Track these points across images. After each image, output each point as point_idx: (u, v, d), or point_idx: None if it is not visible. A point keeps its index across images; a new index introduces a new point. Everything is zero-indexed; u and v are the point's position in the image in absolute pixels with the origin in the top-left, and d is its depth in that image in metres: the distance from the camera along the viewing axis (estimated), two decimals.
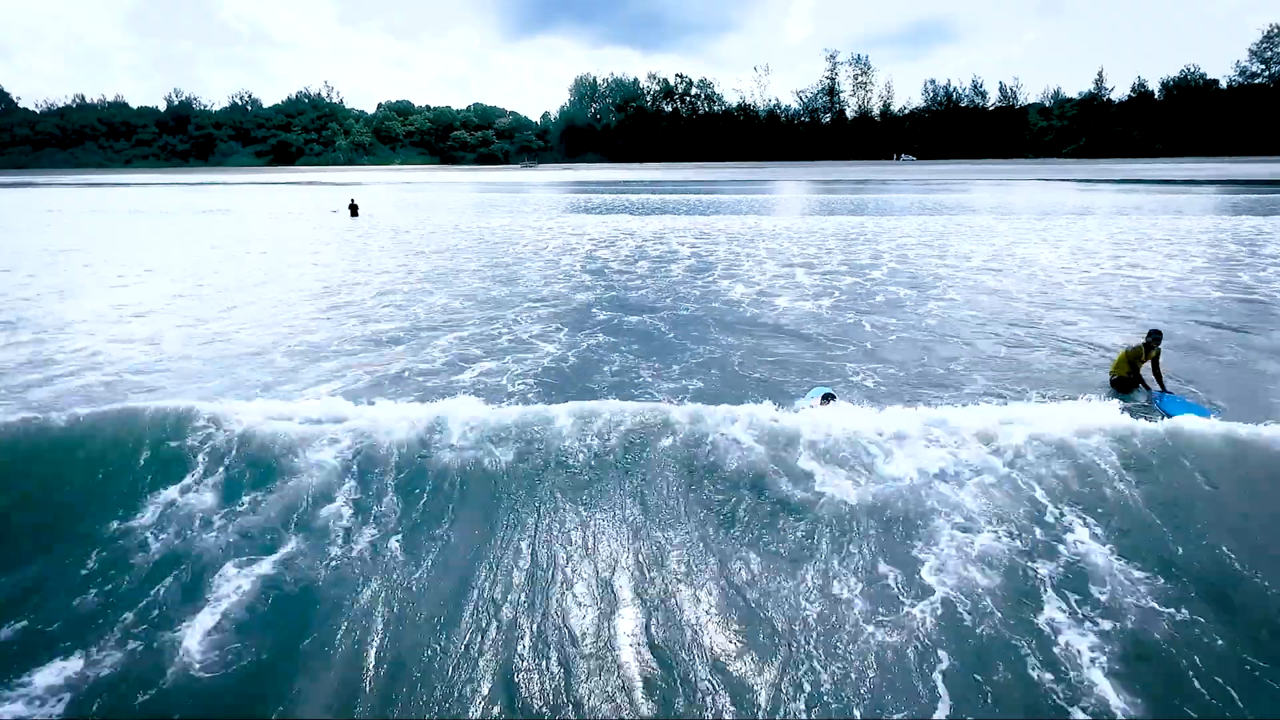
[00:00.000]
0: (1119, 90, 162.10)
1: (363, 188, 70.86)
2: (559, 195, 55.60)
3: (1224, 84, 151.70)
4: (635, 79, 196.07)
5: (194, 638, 4.11)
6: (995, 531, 4.76)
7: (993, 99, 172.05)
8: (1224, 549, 4.56)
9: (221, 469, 5.47)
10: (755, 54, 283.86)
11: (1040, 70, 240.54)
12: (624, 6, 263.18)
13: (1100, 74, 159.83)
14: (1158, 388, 8.45)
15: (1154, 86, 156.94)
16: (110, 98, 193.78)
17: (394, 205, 43.32)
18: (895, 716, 3.66)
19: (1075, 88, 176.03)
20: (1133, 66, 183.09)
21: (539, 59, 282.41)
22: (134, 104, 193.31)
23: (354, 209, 34.86)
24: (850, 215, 32.95)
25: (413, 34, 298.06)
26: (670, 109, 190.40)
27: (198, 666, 3.94)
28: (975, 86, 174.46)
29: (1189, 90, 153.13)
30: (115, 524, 5.00)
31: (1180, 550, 4.60)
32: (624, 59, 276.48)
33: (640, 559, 4.65)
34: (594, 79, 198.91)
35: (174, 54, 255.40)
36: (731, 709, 3.71)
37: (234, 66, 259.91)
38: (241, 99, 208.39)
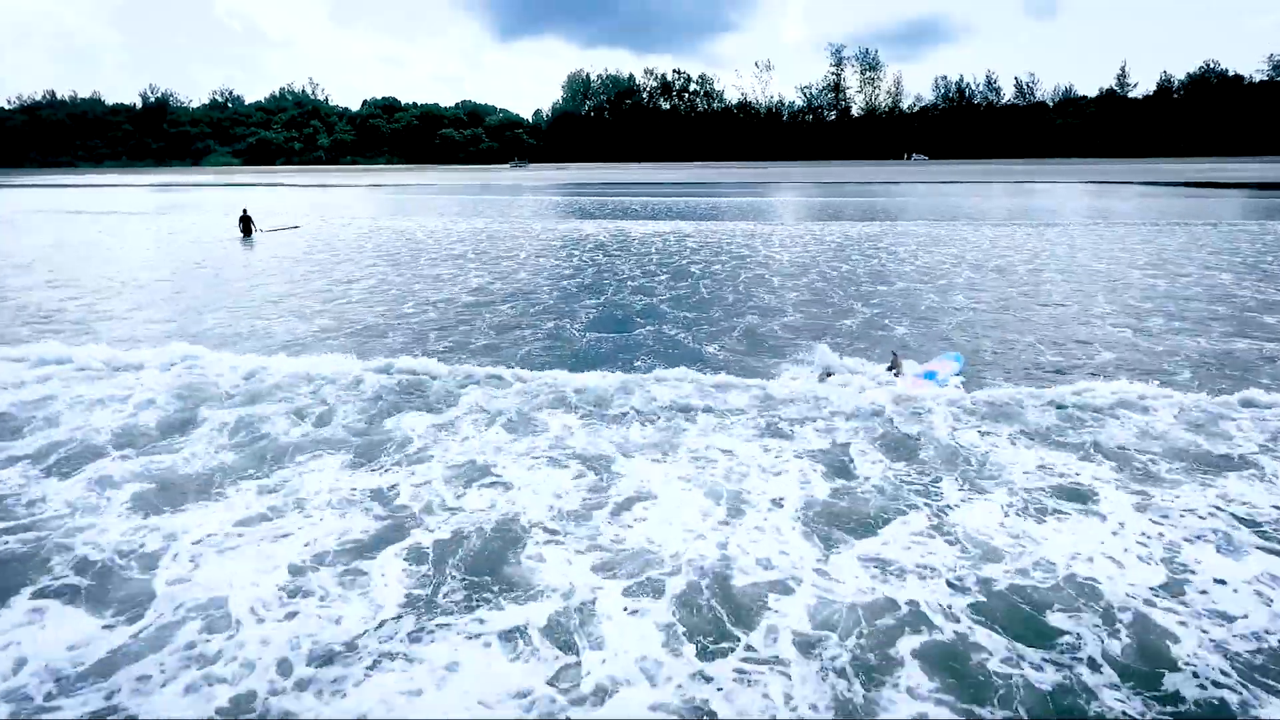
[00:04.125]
0: (1141, 86, 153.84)
1: (333, 190, 62.52)
2: (540, 198, 47.07)
3: (1249, 79, 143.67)
4: (630, 74, 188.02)
5: None
6: None
7: (1007, 95, 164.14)
8: None
9: None
10: (752, 55, 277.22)
11: (1039, 69, 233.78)
12: (619, 7, 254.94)
13: (1123, 69, 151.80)
14: None
15: (1177, 83, 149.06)
16: (110, 99, 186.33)
17: (340, 214, 34.92)
18: None
19: (1079, 87, 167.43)
20: (1129, 65, 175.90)
21: (534, 59, 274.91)
22: (125, 101, 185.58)
23: (246, 225, 26.13)
24: (879, 227, 24.51)
25: (409, 34, 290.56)
26: (668, 106, 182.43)
27: None
28: (989, 82, 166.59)
29: (1214, 85, 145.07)
30: None
31: None
32: (619, 59, 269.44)
33: None
34: (587, 75, 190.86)
35: (167, 53, 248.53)
36: None
37: (229, 65, 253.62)
38: (223, 95, 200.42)
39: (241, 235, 25.64)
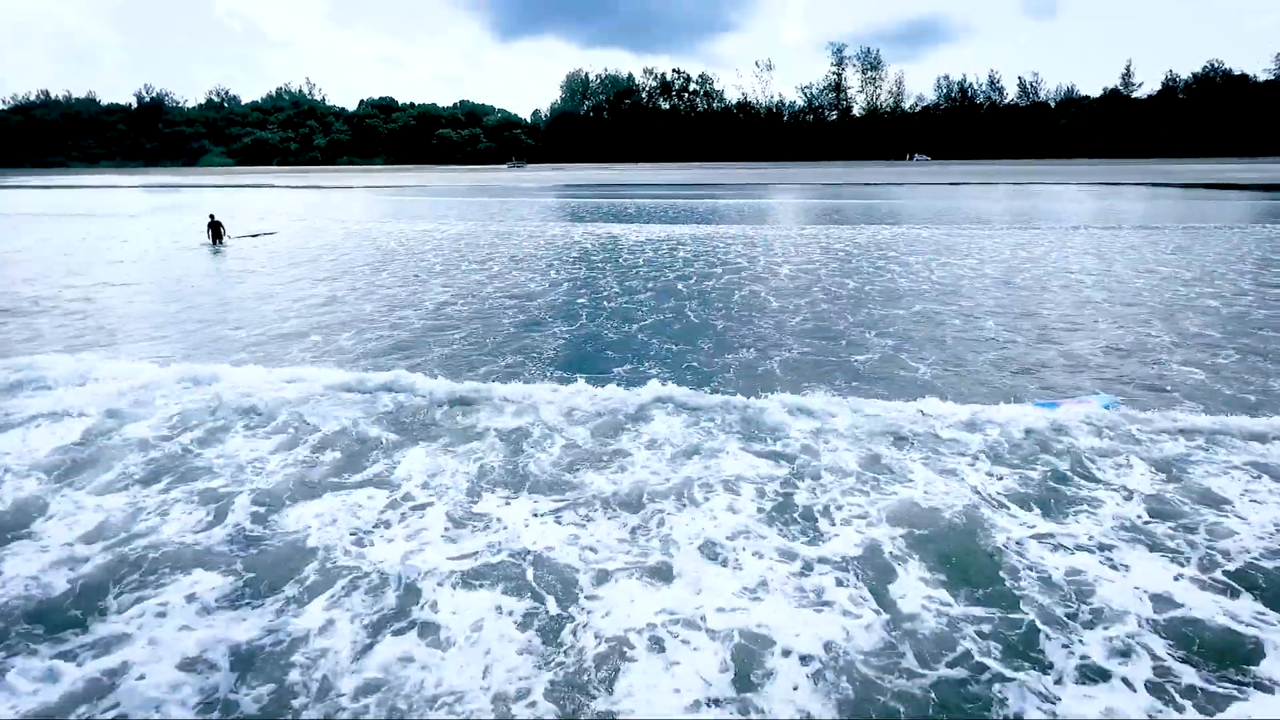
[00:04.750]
0: (1145, 86, 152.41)
1: (325, 192, 61.10)
2: (533, 200, 45.59)
3: (1255, 79, 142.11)
4: (629, 74, 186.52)
5: None
6: None
7: (1010, 95, 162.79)
8: None
9: None
10: (752, 55, 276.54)
11: (1040, 69, 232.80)
12: (619, 7, 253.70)
13: (1128, 68, 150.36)
14: None
15: (1182, 83, 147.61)
16: (110, 99, 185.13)
17: (318, 219, 33.41)
18: None
19: (1081, 86, 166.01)
20: (1133, 64, 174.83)
21: (533, 59, 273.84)
22: (121, 101, 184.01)
23: (216, 231, 24.56)
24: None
25: (408, 34, 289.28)
26: (667, 106, 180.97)
27: None
28: (992, 82, 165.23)
29: (1219, 85, 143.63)
30: None
31: None
32: (618, 59, 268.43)
33: None
34: (586, 75, 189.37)
35: (167, 53, 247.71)
36: None
37: (228, 65, 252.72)
38: (219, 95, 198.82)
39: (210, 241, 24.17)
